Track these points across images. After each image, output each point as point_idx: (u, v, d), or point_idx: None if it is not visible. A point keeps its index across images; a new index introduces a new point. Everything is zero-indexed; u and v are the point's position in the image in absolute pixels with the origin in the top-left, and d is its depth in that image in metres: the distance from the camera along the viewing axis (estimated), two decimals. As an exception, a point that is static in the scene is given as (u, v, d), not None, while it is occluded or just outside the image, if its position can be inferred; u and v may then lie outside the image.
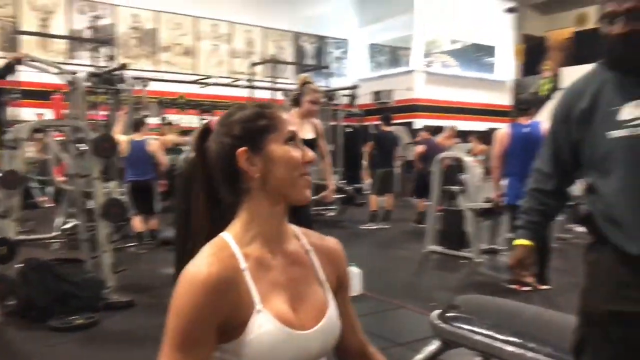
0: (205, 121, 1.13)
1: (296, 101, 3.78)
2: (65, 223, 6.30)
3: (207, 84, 8.20)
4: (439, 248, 6.07)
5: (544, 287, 4.61)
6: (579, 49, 17.05)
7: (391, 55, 16.08)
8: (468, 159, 5.94)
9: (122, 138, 6.00)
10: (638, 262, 1.40)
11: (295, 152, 1.01)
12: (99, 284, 4.15)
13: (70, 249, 5.65)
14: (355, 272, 4.32)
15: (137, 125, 6.31)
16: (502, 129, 4.83)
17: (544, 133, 4.50)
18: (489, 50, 15.84)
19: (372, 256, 5.99)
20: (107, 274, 4.25)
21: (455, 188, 6.11)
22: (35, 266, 4.00)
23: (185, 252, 1.01)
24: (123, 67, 6.49)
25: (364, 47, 15.64)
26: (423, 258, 6.00)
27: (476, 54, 15.89)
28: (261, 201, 1.00)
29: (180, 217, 1.16)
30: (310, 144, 3.81)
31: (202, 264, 0.94)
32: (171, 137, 7.88)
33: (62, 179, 6.75)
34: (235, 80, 9.93)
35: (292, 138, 1.02)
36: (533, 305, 2.64)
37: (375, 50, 15.84)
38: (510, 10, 14.56)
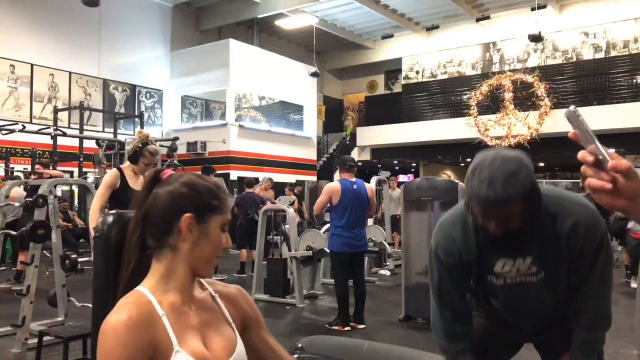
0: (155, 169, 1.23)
1: (133, 157, 3.78)
2: None
3: (12, 131, 7.45)
4: (265, 296, 6.33)
5: (361, 326, 5.14)
6: (370, 111, 19.37)
7: (204, 107, 16.35)
8: (289, 210, 6.37)
9: None
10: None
11: (224, 238, 1.17)
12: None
13: None
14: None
15: None
16: (333, 183, 5.27)
17: (368, 190, 5.14)
18: (297, 109, 17.06)
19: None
20: None
21: (278, 238, 6.49)
22: None
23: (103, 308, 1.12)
24: None
25: (177, 98, 15.66)
26: (249, 307, 6.17)
27: (284, 111, 17.00)
28: (181, 261, 1.14)
29: (99, 276, 1.27)
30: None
31: (121, 311, 1.06)
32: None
33: None
34: (46, 127, 9.16)
35: (226, 225, 1.18)
36: (366, 340, 3.03)
37: (188, 102, 15.96)
38: (314, 74, 15.98)
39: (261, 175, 11.15)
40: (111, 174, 3.77)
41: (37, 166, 7.77)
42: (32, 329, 4.23)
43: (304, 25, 15.49)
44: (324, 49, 18.83)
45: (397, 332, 5.14)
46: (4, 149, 9.81)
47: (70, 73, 13.11)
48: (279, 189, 10.91)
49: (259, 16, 15.37)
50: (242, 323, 1.27)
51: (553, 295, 1.78)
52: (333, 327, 5.09)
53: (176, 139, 9.18)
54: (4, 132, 7.43)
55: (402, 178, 19.48)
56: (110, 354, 1.02)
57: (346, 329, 5.03)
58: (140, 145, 3.80)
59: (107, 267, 1.25)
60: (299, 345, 2.76)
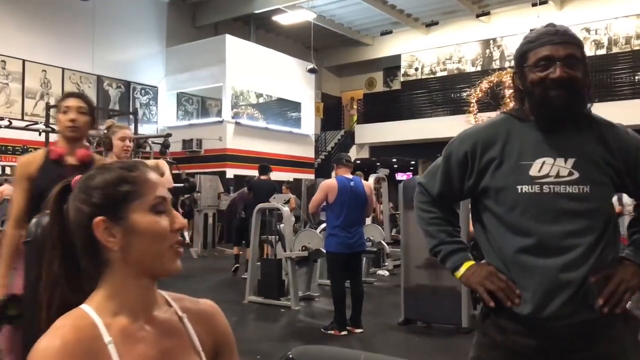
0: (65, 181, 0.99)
1: (108, 145, 3.61)
2: None
3: (-2, 127, 7.26)
4: (258, 298, 6.12)
5: (358, 330, 4.94)
6: (368, 108, 19.16)
7: (200, 105, 16.13)
8: (285, 209, 6.16)
9: None
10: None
11: (163, 221, 0.92)
12: None
13: None
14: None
15: None
16: (329, 180, 5.06)
17: (366, 187, 4.95)
18: (294, 106, 16.86)
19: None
20: None
21: (273, 237, 6.29)
22: None
23: (35, 327, 0.90)
24: None
25: (172, 96, 15.44)
26: (243, 309, 5.99)
27: (282, 109, 16.79)
28: (123, 274, 0.92)
29: (31, 288, 1.05)
30: None
31: (55, 335, 0.84)
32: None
33: None
34: (33, 124, 8.95)
35: (160, 204, 0.93)
36: (362, 351, 2.83)
37: (184, 99, 15.74)
38: (312, 70, 15.77)
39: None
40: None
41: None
42: None
43: (301, 21, 15.27)
44: (322, 45, 18.61)
45: (397, 336, 4.94)
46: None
47: (63, 69, 12.86)
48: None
49: (256, 12, 15.14)
50: (214, 349, 1.03)
51: (593, 218, 1.43)
52: (329, 332, 4.89)
53: (169, 135, 8.97)
54: (-11, 128, 7.23)
55: (401, 176, 19.33)
56: None
57: (342, 333, 4.83)
58: (108, 128, 3.72)
59: (40, 278, 0.99)
60: (290, 355, 2.56)
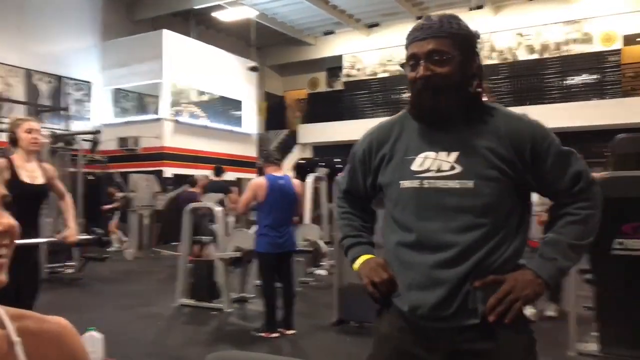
0: None
1: (13, 141, 3.32)
2: None
3: None
4: (190, 301, 5.95)
5: (290, 332, 4.86)
6: (312, 108, 19.17)
7: (138, 102, 15.62)
8: (218, 209, 6.01)
9: None
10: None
11: None
12: None
13: None
14: (95, 337, 3.93)
15: None
16: (258, 179, 4.95)
17: (295, 186, 4.87)
18: (236, 104, 16.63)
19: (117, 317, 5.55)
20: None
21: (205, 238, 6.12)
22: None
23: None
24: None
25: (108, 92, 14.88)
26: (173, 313, 5.80)
27: (224, 107, 16.51)
28: None
29: None
30: (43, 189, 3.38)
31: None
32: None
33: None
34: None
35: None
36: (278, 356, 2.77)
37: (121, 95, 15.21)
38: (253, 69, 15.59)
39: (198, 173, 10.73)
40: None
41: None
42: None
43: (242, 18, 15.06)
44: (264, 43, 18.46)
45: (329, 337, 4.90)
46: None
47: (-14, 62, 12.14)
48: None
49: (196, 7, 14.80)
50: None
51: (478, 215, 1.36)
52: (260, 334, 4.79)
53: (97, 132, 8.59)
54: None
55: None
56: None
57: (274, 335, 4.74)
58: (12, 123, 3.41)
59: None
60: (206, 362, 2.47)
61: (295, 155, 17.72)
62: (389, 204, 1.49)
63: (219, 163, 14.74)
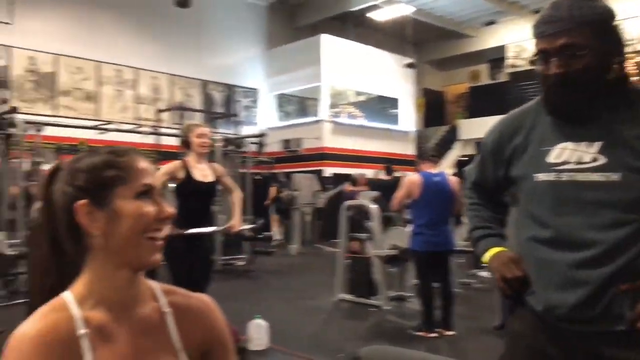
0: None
1: (186, 144, 3.71)
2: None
3: (107, 130, 7.85)
4: (348, 296, 6.04)
5: (449, 333, 4.68)
6: (474, 102, 18.38)
7: (299, 105, 16.41)
8: (373, 207, 6.02)
9: None
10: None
11: (148, 208, 0.89)
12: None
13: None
14: (261, 325, 4.17)
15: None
16: (413, 176, 4.87)
17: (452, 183, 4.70)
18: (393, 103, 16.62)
19: (281, 307, 5.85)
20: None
21: (362, 235, 6.16)
22: None
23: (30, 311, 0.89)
24: (13, 110, 6.03)
25: (272, 97, 15.85)
26: (333, 307, 5.94)
27: (381, 106, 16.60)
28: (104, 263, 0.89)
29: (30, 271, 1.06)
30: (213, 186, 3.75)
31: (30, 325, 0.84)
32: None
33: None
34: (139, 127, 9.59)
35: (147, 191, 0.90)
36: (436, 355, 2.65)
37: (284, 100, 16.10)
38: (410, 65, 15.43)
39: (357, 172, 10.93)
40: (173, 163, 3.74)
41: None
42: None
43: (399, 15, 14.99)
44: (421, 39, 18.17)
45: (490, 340, 4.62)
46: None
47: (171, 75, 13.69)
48: (374, 185, 10.60)
49: (352, 9, 15.09)
50: (201, 348, 0.96)
51: (625, 210, 1.20)
52: (417, 333, 4.69)
53: (263, 135, 9.14)
54: (100, 130, 7.83)
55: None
56: None
57: (432, 335, 4.61)
58: (186, 128, 3.79)
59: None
60: (358, 355, 2.45)
61: (456, 152, 17.18)
62: (523, 197, 1.39)
63: (377, 162, 14.94)
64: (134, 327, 0.90)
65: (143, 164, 0.93)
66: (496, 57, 18.10)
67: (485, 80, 19.34)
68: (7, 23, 11.18)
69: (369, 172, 11.73)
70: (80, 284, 0.90)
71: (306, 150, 14.41)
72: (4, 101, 7.71)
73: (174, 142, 10.81)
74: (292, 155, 14.39)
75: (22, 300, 5.63)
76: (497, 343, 4.53)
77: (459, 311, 4.95)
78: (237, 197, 3.94)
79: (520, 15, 16.20)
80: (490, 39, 17.64)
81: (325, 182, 13.08)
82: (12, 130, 6.10)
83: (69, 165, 0.92)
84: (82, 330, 0.84)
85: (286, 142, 14.55)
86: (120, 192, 0.88)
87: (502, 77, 18.18)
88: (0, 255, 4.02)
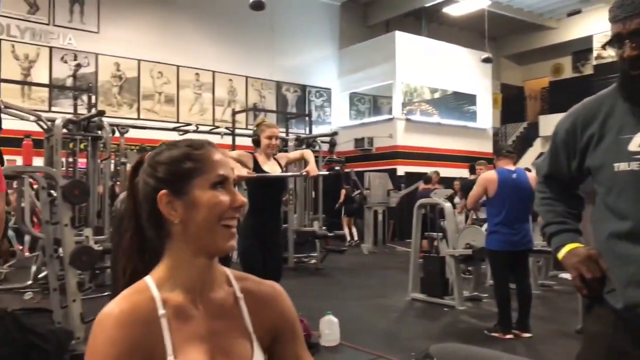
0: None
1: (256, 142, 3.87)
2: (40, 272, 6.09)
3: (186, 132, 8.20)
4: (421, 296, 5.95)
5: (526, 335, 4.51)
6: (555, 97, 17.53)
7: (372, 103, 16.34)
8: (447, 205, 5.89)
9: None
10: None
11: (222, 197, 0.95)
12: (67, 335, 3.95)
13: (44, 298, 5.45)
14: (332, 322, 4.19)
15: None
16: (488, 173, 4.74)
17: (530, 180, 4.52)
18: (470, 99, 16.16)
19: (352, 305, 5.86)
20: (76, 324, 4.05)
21: (435, 234, 6.06)
22: (-3, 317, 3.80)
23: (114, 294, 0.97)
24: (100, 113, 6.43)
25: (345, 96, 15.89)
26: (406, 306, 5.88)
27: (457, 102, 16.20)
28: (183, 249, 0.95)
29: (114, 258, 1.13)
30: (282, 180, 3.88)
31: (115, 304, 0.91)
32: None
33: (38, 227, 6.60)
34: (215, 128, 9.93)
35: (221, 182, 0.96)
36: (509, 354, 2.56)
37: (356, 98, 16.10)
38: (486, 60, 14.95)
39: (431, 170, 10.76)
40: (244, 151, 3.91)
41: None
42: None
43: (475, 9, 14.58)
44: (499, 33, 17.57)
45: (570, 344, 4.38)
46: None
47: (246, 77, 14.08)
48: (448, 183, 10.42)
49: (426, 5, 14.84)
50: (271, 332, 1.02)
51: None
52: (493, 334, 4.54)
53: (335, 134, 9.19)
54: (180, 132, 8.17)
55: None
56: (98, 351, 0.87)
57: (508, 336, 4.45)
58: (257, 126, 3.93)
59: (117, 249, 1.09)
60: (429, 352, 2.42)
61: (536, 149, 16.47)
62: (601, 189, 1.32)
63: (452, 160, 14.60)
64: (209, 310, 0.96)
65: (218, 156, 0.99)
66: (581, 49, 17.19)
67: (568, 74, 18.41)
68: (94, 32, 11.99)
69: (444, 171, 11.51)
70: (160, 269, 0.97)
71: (379, 149, 14.33)
72: (92, 106, 8.23)
73: (249, 142, 11.16)
74: (365, 154, 14.37)
75: (108, 293, 6.01)
76: (578, 347, 4.30)
77: (538, 313, 4.74)
78: (307, 153, 4.07)
79: (608, 2, 15.25)
80: (574, 30, 16.77)
81: (399, 181, 12.95)
82: (99, 133, 6.50)
83: (150, 159, 1.00)
84: (161, 311, 0.91)
85: (358, 141, 14.54)
86: (197, 183, 0.94)
87: (587, 70, 17.23)
88: (88, 251, 4.27)
